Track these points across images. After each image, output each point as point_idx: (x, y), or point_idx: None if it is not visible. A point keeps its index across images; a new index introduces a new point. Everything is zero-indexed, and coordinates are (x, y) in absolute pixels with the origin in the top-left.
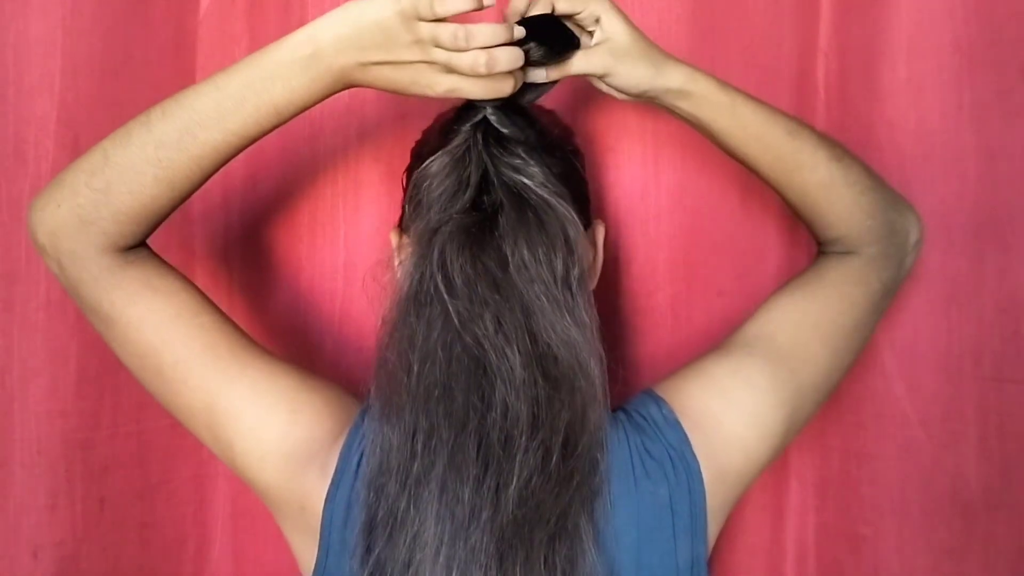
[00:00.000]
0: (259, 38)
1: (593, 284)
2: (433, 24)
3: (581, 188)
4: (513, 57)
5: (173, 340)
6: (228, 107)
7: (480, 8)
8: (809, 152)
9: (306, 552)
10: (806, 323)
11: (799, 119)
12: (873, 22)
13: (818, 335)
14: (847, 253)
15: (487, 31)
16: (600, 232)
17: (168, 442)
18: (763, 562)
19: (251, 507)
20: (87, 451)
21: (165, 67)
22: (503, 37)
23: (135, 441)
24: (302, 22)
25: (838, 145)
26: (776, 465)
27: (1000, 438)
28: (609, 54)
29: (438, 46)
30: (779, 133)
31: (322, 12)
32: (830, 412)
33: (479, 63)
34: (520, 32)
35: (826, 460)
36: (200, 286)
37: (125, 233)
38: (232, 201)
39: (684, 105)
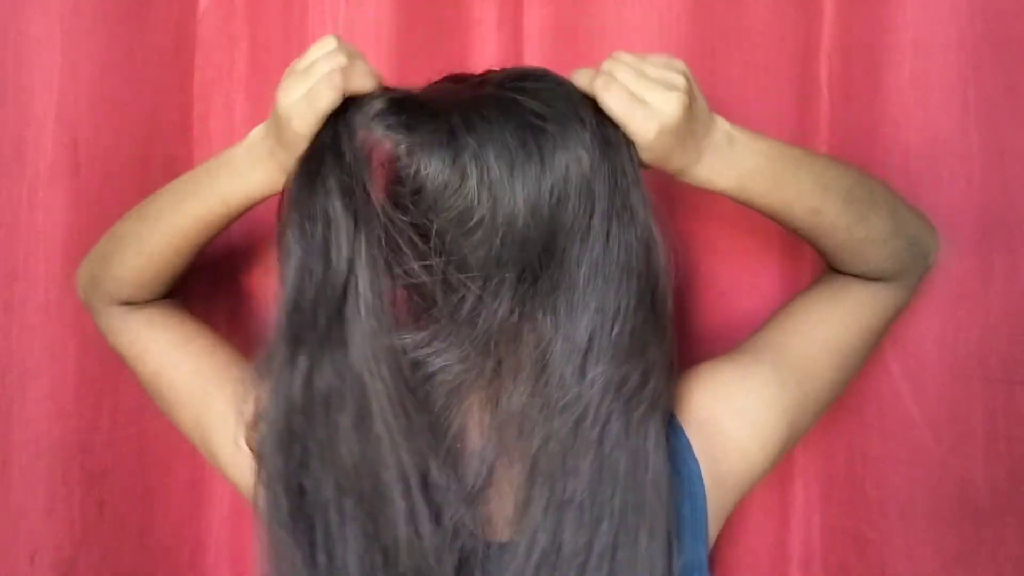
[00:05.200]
0: (258, 37)
1: None
2: None
3: None
4: None
5: (168, 367)
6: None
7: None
8: (864, 213)
9: None
10: (817, 339)
11: (850, 169)
12: (877, 21)
13: (827, 353)
14: (869, 280)
15: None
16: None
17: (166, 445)
18: (767, 564)
19: (248, 510)
20: (86, 454)
21: (164, 67)
22: None
23: (134, 444)
24: (302, 21)
25: (889, 193)
26: (781, 466)
27: (1008, 440)
28: None
29: None
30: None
31: (322, 12)
32: (835, 412)
33: None
34: None
35: (831, 461)
36: (200, 292)
37: (124, 295)
38: None
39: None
